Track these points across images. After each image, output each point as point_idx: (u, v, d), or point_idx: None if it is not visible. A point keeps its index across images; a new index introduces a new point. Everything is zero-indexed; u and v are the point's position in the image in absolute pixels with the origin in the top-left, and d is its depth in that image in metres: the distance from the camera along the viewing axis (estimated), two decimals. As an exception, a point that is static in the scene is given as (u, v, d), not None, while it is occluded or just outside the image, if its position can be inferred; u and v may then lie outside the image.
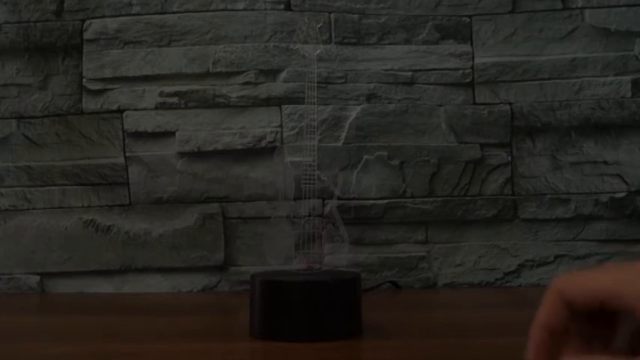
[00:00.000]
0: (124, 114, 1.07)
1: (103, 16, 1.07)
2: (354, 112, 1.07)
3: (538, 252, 1.06)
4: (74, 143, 1.07)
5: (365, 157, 1.06)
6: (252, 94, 1.07)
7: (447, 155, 1.07)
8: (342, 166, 1.06)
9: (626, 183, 1.06)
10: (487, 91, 1.07)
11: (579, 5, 1.07)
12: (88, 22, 1.08)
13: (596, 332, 0.42)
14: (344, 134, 1.06)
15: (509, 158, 1.07)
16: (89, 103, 1.08)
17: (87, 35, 1.07)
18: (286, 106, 1.06)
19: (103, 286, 1.07)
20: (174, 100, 1.07)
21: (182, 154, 1.07)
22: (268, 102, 1.07)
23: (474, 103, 1.07)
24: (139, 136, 1.07)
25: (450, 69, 1.07)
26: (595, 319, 0.41)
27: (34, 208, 1.07)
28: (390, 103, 1.07)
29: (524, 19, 1.08)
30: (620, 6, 1.06)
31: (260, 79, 1.07)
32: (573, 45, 1.07)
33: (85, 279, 1.07)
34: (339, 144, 1.06)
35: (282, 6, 1.07)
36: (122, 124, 1.07)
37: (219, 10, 1.08)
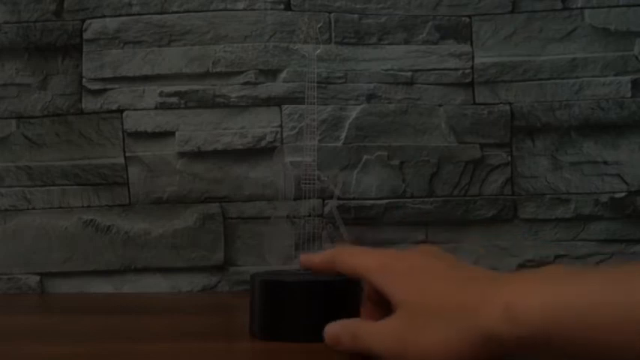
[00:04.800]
0: (124, 114, 1.07)
1: (103, 16, 1.07)
2: (354, 112, 1.07)
3: (538, 252, 1.06)
4: (74, 143, 1.07)
5: (365, 157, 1.06)
6: (252, 94, 1.07)
7: (447, 155, 1.07)
8: (342, 166, 1.06)
9: (626, 183, 1.06)
10: (487, 91, 1.07)
11: (579, 5, 1.07)
12: (87, 22, 1.07)
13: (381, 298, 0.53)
14: (344, 134, 1.06)
15: (509, 158, 1.07)
16: (89, 103, 1.08)
17: (87, 35, 1.07)
18: (286, 106, 1.06)
19: (103, 286, 1.07)
20: (174, 100, 1.07)
21: (182, 154, 1.07)
22: (268, 102, 1.07)
23: (474, 103, 1.07)
24: (139, 136, 1.07)
25: (450, 69, 1.07)
26: None
27: (34, 208, 1.07)
28: (390, 103, 1.07)
29: (524, 19, 1.08)
30: (620, 6, 1.06)
31: (260, 79, 1.07)
32: (573, 45, 1.07)
33: (85, 279, 1.07)
34: (339, 144, 1.06)
35: (282, 6, 1.07)
36: (122, 124, 1.07)
37: (219, 10, 1.08)
